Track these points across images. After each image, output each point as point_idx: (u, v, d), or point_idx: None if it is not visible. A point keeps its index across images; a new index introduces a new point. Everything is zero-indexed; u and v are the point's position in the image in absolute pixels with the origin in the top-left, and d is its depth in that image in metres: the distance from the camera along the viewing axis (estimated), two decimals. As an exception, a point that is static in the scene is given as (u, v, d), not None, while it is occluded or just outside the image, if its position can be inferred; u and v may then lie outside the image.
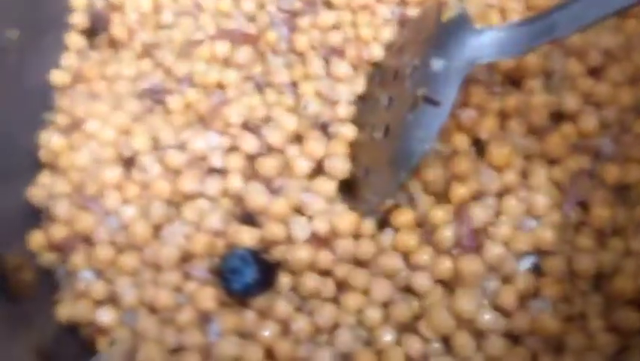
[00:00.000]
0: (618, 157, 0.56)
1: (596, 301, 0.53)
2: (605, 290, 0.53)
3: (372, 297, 0.53)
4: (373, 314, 0.53)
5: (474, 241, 0.53)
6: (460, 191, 0.55)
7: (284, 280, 0.54)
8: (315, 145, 0.57)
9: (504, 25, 0.54)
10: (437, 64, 0.52)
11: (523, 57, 0.58)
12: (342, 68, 0.61)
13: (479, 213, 0.54)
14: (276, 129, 0.58)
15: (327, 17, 0.63)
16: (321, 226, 0.54)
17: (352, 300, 0.53)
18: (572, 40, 0.59)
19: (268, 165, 0.57)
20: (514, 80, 0.59)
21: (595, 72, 0.59)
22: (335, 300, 0.54)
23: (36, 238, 0.57)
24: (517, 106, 0.57)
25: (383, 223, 0.56)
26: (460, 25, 0.52)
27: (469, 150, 0.56)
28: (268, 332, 0.52)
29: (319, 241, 0.54)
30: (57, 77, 0.65)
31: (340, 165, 0.57)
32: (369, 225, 0.55)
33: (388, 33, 0.62)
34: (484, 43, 0.51)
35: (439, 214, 0.54)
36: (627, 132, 0.57)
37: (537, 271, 0.54)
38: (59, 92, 0.65)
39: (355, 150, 0.58)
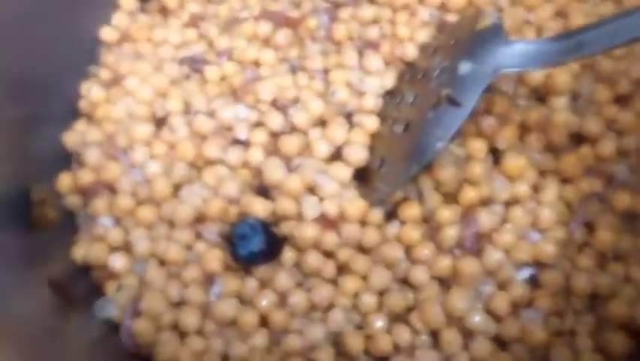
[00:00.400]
0: (632, 185, 0.57)
1: (588, 321, 0.54)
2: (598, 312, 0.54)
3: (370, 283, 0.55)
4: (368, 300, 0.54)
5: (476, 244, 0.55)
6: (470, 194, 0.56)
7: (288, 254, 0.56)
8: (338, 131, 0.59)
9: (535, 39, 0.55)
10: (465, 67, 0.53)
11: (552, 73, 0.59)
12: (374, 62, 0.63)
13: (485, 219, 0.55)
14: (303, 111, 0.61)
15: (367, 11, 0.65)
16: (331, 209, 0.56)
17: (350, 283, 0.55)
18: (603, 66, 0.60)
19: (290, 143, 0.59)
20: (540, 96, 0.60)
21: (622, 100, 0.60)
22: (334, 281, 0.56)
23: (64, 180, 0.60)
24: (538, 121, 0.58)
25: (391, 215, 0.57)
26: (493, 33, 0.54)
27: (486, 157, 0.58)
28: (266, 301, 0.54)
29: (327, 222, 0.56)
30: (106, 33, 0.68)
31: (358, 154, 0.59)
32: (377, 214, 0.57)
33: (424, 35, 0.64)
34: (513, 54, 0.53)
35: (446, 213, 0.55)
36: (646, 163, 0.58)
37: (534, 282, 0.55)
38: (106, 48, 0.68)
39: (375, 141, 0.60)
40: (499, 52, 0.53)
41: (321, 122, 0.61)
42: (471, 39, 0.55)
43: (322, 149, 0.59)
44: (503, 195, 0.56)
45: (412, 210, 0.57)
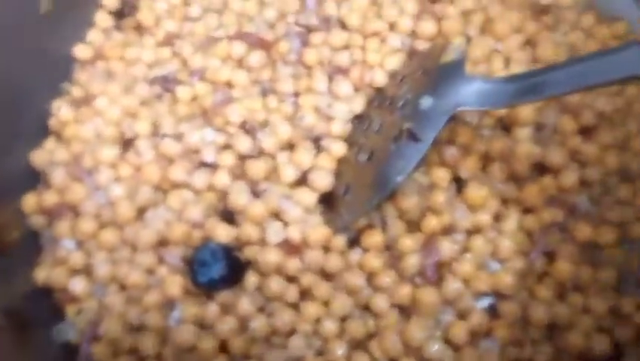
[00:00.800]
0: (594, 217, 0.57)
1: (546, 350, 0.54)
2: (556, 342, 0.54)
3: (332, 309, 0.55)
4: (330, 326, 0.55)
5: (436, 273, 0.55)
6: (432, 223, 0.56)
7: (251, 279, 0.56)
8: (305, 155, 0.60)
9: (492, 79, 0.56)
10: (426, 102, 0.54)
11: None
12: (343, 87, 0.63)
13: (446, 248, 0.55)
14: (271, 135, 0.61)
15: (338, 37, 0.65)
16: (295, 234, 0.56)
17: (312, 309, 0.55)
18: (568, 97, 0.60)
19: (257, 167, 0.59)
20: (505, 126, 0.60)
21: (586, 131, 0.60)
22: (296, 306, 0.56)
23: (29, 200, 0.60)
24: (502, 151, 0.58)
25: (354, 241, 0.58)
26: (454, 69, 0.55)
27: (449, 186, 0.58)
28: (226, 326, 0.55)
29: (291, 247, 0.56)
30: (80, 51, 0.68)
31: (324, 180, 0.59)
32: (340, 240, 0.57)
33: (395, 62, 0.64)
34: (471, 92, 0.53)
35: (408, 242, 0.56)
36: (608, 195, 0.59)
37: (493, 312, 0.55)
38: (79, 65, 0.68)
39: (341, 166, 0.60)
40: (458, 89, 0.54)
41: (289, 146, 0.62)
42: (434, 73, 0.56)
43: (289, 173, 0.59)
44: (465, 223, 0.57)
45: (374, 238, 0.57)
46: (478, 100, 0.53)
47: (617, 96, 0.62)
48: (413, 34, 0.65)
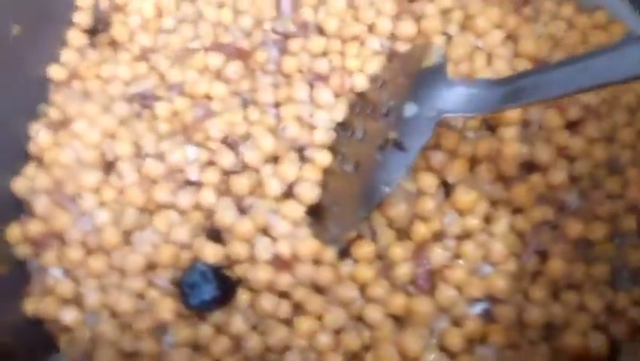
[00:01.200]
0: (584, 213, 0.57)
1: (544, 351, 0.54)
2: (553, 342, 0.54)
3: (325, 323, 0.55)
4: (324, 340, 0.54)
5: (428, 281, 0.55)
6: (421, 230, 0.56)
7: (242, 297, 0.56)
8: (289, 168, 0.59)
9: (477, 82, 0.55)
10: (410, 109, 0.53)
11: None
12: (324, 94, 0.62)
13: (437, 255, 0.55)
14: (254, 148, 0.60)
15: (316, 43, 0.64)
16: (284, 250, 0.56)
17: (306, 324, 0.55)
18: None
19: (241, 183, 0.59)
20: (490, 126, 0.60)
21: (572, 126, 0.60)
22: (289, 322, 0.55)
23: (14, 230, 0.59)
24: (488, 153, 0.58)
25: (344, 253, 0.57)
26: (436, 75, 0.54)
27: (436, 192, 0.57)
28: (220, 346, 0.54)
29: (281, 263, 0.56)
30: (55, 71, 0.67)
31: (310, 192, 0.58)
32: (330, 253, 0.56)
33: (375, 65, 0.63)
34: (455, 98, 0.53)
35: (398, 251, 0.55)
36: (597, 189, 0.58)
37: (488, 316, 0.55)
38: (55, 86, 0.67)
39: (327, 177, 0.59)
40: (442, 95, 0.53)
41: (273, 158, 0.61)
42: (416, 78, 0.55)
43: (274, 187, 0.59)
44: (455, 229, 0.56)
45: (365, 248, 0.56)
46: (463, 106, 0.52)
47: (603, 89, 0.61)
48: (392, 36, 0.64)
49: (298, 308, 0.56)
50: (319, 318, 0.55)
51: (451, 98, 0.53)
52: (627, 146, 0.59)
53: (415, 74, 0.55)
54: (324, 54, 0.64)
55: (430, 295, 0.54)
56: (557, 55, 0.62)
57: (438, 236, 0.56)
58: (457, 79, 0.56)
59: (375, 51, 0.64)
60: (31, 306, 0.57)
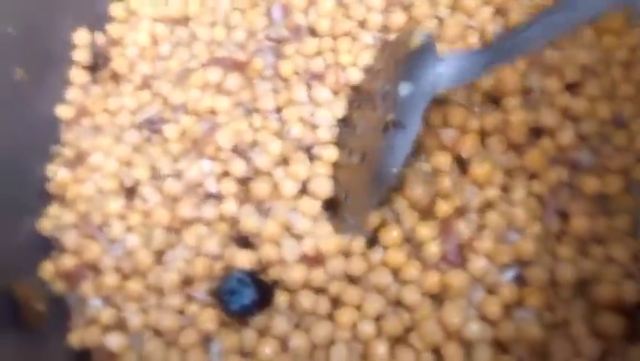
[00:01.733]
0: (597, 168, 0.58)
1: (579, 307, 0.55)
2: (587, 297, 0.55)
3: (365, 312, 0.56)
4: (366, 328, 0.55)
5: (459, 256, 0.56)
6: (444, 208, 0.57)
7: (281, 298, 0.57)
8: (299, 167, 0.61)
9: (464, 51, 0.57)
10: (404, 89, 0.55)
11: (501, 75, 0.60)
12: (322, 93, 0.64)
13: (463, 229, 0.56)
14: (263, 153, 0.62)
15: (310, 44, 0.66)
16: (309, 246, 0.57)
17: (346, 316, 0.56)
18: (549, 57, 0.62)
19: (259, 188, 0.60)
20: (494, 99, 0.61)
21: (573, 88, 0.61)
22: (330, 316, 0.56)
23: (47, 268, 0.60)
24: (496, 124, 0.59)
25: (373, 241, 0.58)
26: (426, 52, 0.55)
27: (452, 168, 0.59)
28: (268, 349, 0.55)
29: (311, 260, 0.57)
30: (62, 111, 0.68)
31: (323, 187, 0.60)
32: (359, 243, 0.58)
33: (368, 57, 0.65)
34: (446, 69, 0.54)
35: (425, 231, 0.57)
36: (607, 143, 0.60)
37: (521, 281, 0.56)
38: (65, 125, 0.68)
39: (337, 171, 0.61)
40: (434, 69, 0.55)
41: (283, 160, 0.62)
42: (406, 60, 0.56)
43: (289, 187, 0.60)
44: (475, 202, 0.57)
45: (391, 234, 0.58)
46: (454, 76, 0.54)
47: (595, 47, 0.63)
48: (384, 28, 0.66)
49: (336, 302, 0.57)
50: (358, 308, 0.56)
51: (443, 71, 0.54)
52: (628, 100, 0.61)
53: (405, 57, 0.57)
54: (318, 54, 0.66)
55: (462, 269, 0.56)
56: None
57: (461, 211, 0.58)
58: (445, 53, 0.57)
59: (368, 44, 0.65)
60: (76, 338, 0.58)
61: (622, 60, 0.62)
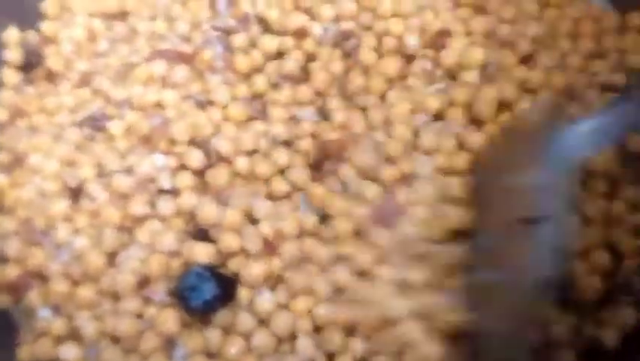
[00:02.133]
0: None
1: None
2: None
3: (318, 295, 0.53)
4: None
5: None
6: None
7: (242, 292, 0.54)
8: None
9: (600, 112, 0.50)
10: (536, 176, 0.47)
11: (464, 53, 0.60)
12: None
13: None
14: (225, 140, 0.59)
15: (268, 42, 0.64)
16: (267, 230, 0.55)
17: (300, 303, 0.53)
18: (501, 31, 0.62)
19: (217, 175, 0.57)
20: (452, 74, 0.61)
21: (526, 60, 0.61)
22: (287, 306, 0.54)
23: (-12, 282, 0.56)
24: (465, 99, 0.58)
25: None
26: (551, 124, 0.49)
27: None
28: (234, 348, 0.52)
29: (268, 246, 0.54)
30: (-5, 114, 0.64)
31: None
32: (312, 220, 0.56)
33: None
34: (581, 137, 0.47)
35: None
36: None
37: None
38: (-1, 128, 0.64)
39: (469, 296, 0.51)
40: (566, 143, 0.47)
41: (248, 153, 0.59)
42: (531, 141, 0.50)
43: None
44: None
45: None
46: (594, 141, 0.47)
47: (541, 20, 0.63)
48: (337, 18, 0.64)
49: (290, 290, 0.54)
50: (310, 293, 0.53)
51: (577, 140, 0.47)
52: (578, 71, 0.61)
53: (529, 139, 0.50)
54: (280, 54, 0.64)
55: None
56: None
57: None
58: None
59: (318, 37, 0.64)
60: (26, 353, 0.54)
61: (567, 32, 0.63)
